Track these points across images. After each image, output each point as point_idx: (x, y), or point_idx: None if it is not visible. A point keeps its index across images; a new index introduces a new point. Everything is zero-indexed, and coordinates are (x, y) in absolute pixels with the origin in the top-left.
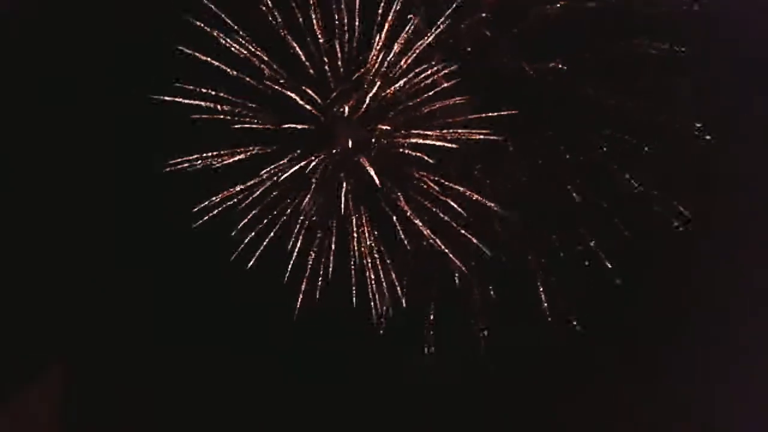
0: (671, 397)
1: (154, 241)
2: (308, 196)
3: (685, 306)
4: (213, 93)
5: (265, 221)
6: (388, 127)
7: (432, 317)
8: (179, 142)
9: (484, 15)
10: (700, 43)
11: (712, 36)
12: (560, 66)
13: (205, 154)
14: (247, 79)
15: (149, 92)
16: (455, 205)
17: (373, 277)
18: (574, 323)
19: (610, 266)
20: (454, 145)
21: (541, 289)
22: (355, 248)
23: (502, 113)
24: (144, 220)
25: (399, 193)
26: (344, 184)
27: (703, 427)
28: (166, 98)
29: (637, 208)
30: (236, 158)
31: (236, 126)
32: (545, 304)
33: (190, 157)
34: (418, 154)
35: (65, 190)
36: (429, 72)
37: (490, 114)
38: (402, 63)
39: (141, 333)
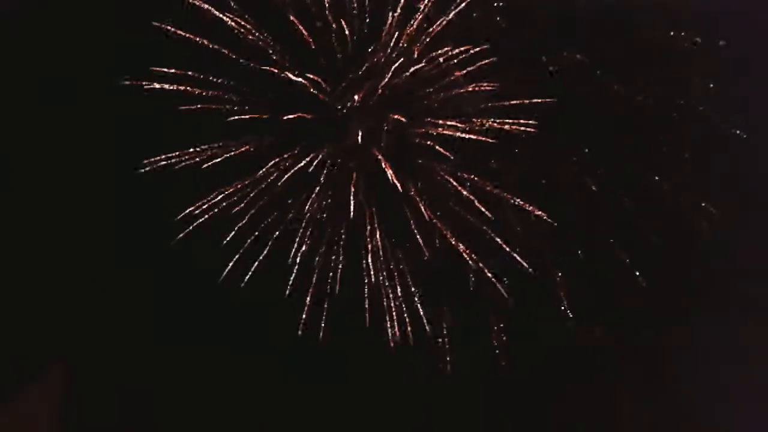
0: (671, 397)
1: (154, 241)
2: (315, 192)
3: (685, 306)
4: (219, 81)
5: (269, 220)
6: (402, 118)
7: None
8: (181, 140)
9: (496, 4)
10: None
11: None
12: (578, 56)
13: (182, 152)
14: (250, 64)
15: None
16: (479, 205)
17: (390, 297)
18: (596, 330)
19: (623, 263)
20: (475, 137)
21: (561, 292)
22: (369, 255)
23: (540, 101)
24: (144, 220)
25: (414, 190)
26: (354, 180)
27: (704, 427)
28: (163, 86)
29: (638, 209)
30: (226, 155)
31: (234, 117)
32: (564, 305)
33: (171, 155)
34: (432, 144)
35: (65, 190)
36: (448, 56)
37: (512, 103)
38: (416, 47)
39: (141, 333)
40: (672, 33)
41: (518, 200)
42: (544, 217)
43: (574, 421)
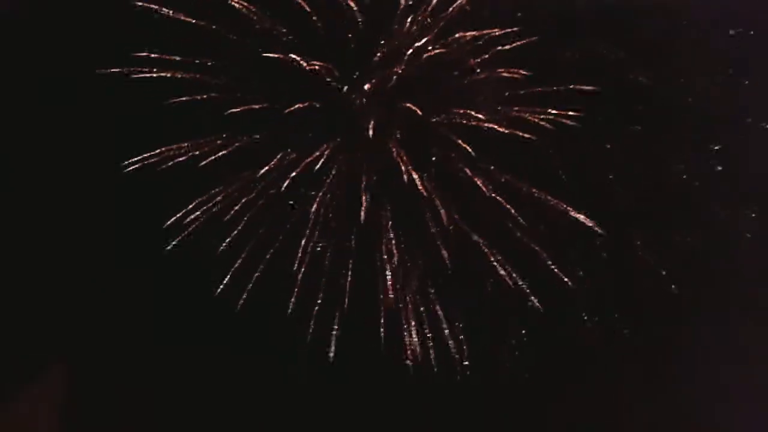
0: (671, 397)
1: (154, 241)
2: (322, 191)
3: (685, 306)
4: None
5: (271, 222)
6: (417, 109)
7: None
8: (181, 135)
9: None
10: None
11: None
12: (612, 52)
13: (174, 147)
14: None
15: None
16: (505, 203)
17: (408, 303)
18: (596, 329)
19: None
20: (505, 130)
21: (581, 293)
22: (382, 258)
23: (582, 88)
24: (144, 220)
25: (432, 188)
26: (364, 177)
27: (704, 427)
28: (158, 75)
29: (637, 209)
30: (225, 151)
31: (235, 110)
32: (585, 313)
33: (157, 151)
34: (452, 136)
35: (65, 190)
36: (470, 38)
37: (548, 90)
38: (432, 33)
39: (141, 333)
40: (672, 33)
41: (554, 199)
42: (589, 224)
43: (574, 421)
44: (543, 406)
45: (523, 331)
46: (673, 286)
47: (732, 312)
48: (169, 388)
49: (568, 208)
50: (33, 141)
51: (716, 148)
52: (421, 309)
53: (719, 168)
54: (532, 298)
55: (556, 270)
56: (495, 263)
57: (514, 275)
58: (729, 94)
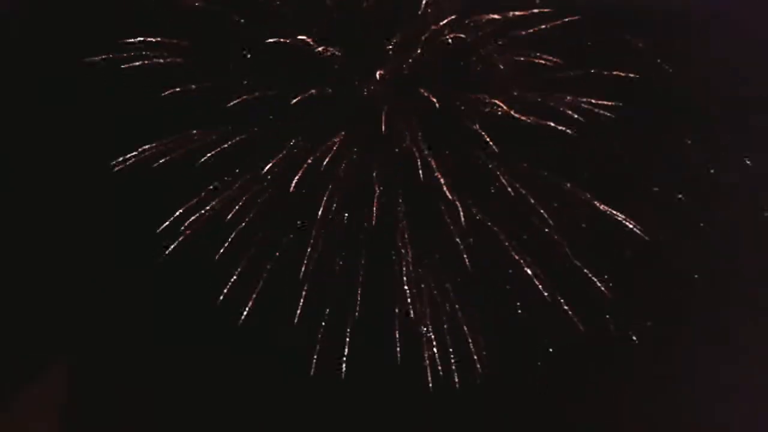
0: (671, 397)
1: (154, 241)
2: (329, 190)
3: (685, 306)
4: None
5: (274, 224)
6: (434, 99)
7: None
8: (184, 129)
9: None
10: None
11: None
12: (639, 45)
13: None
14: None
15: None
16: (529, 198)
17: (431, 332)
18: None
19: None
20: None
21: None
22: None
23: (619, 74)
24: (144, 220)
25: (449, 180)
26: (377, 171)
27: (704, 427)
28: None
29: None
30: (221, 147)
31: (235, 101)
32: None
33: (152, 146)
34: (475, 128)
35: (65, 190)
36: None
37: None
38: (449, 16)
39: (141, 333)
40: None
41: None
42: (633, 227)
43: (574, 421)
44: (543, 405)
45: (537, 329)
46: (696, 277)
47: (732, 312)
48: (169, 388)
49: (606, 207)
50: (34, 140)
51: (716, 147)
52: (438, 300)
53: (718, 168)
54: (559, 298)
55: (579, 265)
56: (514, 254)
57: (534, 268)
58: (729, 94)
